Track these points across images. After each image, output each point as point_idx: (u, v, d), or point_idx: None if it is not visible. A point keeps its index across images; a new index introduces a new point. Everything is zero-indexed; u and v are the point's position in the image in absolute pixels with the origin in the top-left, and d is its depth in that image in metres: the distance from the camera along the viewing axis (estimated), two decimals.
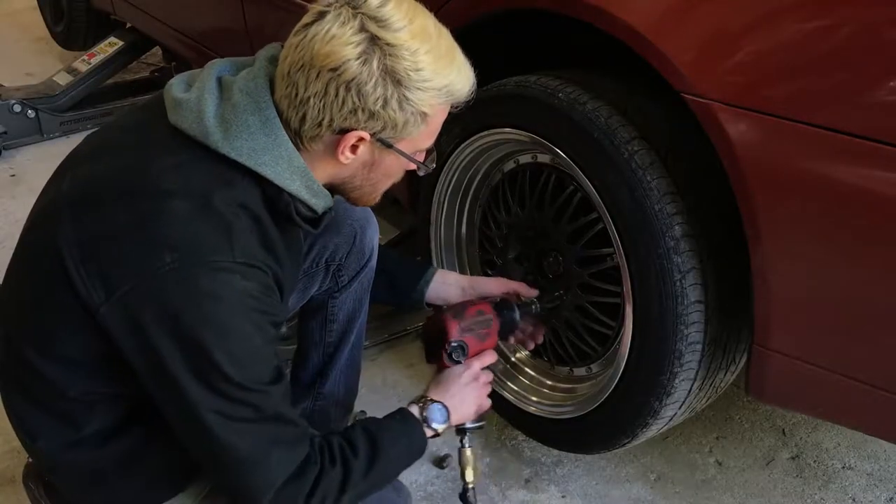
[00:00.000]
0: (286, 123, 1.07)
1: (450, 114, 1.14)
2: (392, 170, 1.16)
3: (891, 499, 1.64)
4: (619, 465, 1.71)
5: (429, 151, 1.18)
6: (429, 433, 1.27)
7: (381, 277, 1.54)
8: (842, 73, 1.06)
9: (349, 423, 1.61)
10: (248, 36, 2.28)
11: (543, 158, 1.53)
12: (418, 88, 1.05)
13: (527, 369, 1.70)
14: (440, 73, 1.06)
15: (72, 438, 1.14)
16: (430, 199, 1.71)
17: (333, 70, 1.02)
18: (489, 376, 1.39)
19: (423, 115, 1.07)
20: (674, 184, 1.28)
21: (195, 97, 1.07)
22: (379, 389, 1.91)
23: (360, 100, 1.03)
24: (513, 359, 1.72)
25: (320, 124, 1.06)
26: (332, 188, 1.17)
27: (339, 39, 1.01)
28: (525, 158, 1.57)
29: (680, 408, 1.39)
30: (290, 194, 1.09)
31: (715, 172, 1.19)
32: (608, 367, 1.50)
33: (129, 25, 3.43)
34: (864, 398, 1.16)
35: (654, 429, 1.42)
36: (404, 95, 1.04)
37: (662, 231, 1.26)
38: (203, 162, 1.05)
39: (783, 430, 1.81)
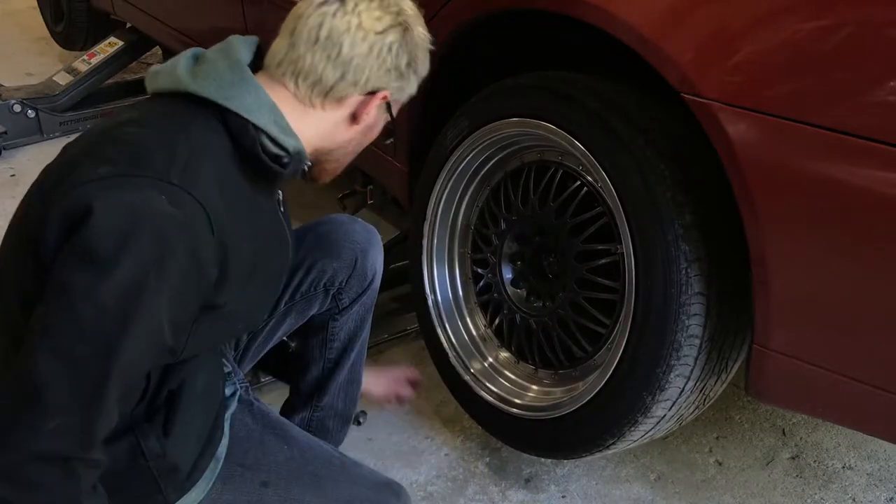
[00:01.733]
0: (308, 84, 1.12)
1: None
2: (374, 131, 1.22)
3: (891, 499, 1.64)
4: (619, 465, 1.71)
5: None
6: None
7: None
8: (842, 73, 1.06)
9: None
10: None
11: (550, 156, 1.53)
12: (425, 52, 1.19)
13: (506, 371, 1.69)
14: (426, 37, 1.19)
15: None
16: (429, 195, 1.70)
17: (379, 33, 1.12)
18: None
19: (420, 77, 1.20)
20: (683, 175, 1.29)
21: (170, 63, 1.11)
22: None
23: (397, 59, 1.14)
24: (491, 360, 1.72)
25: (356, 83, 1.12)
26: (312, 158, 1.19)
27: (379, 11, 1.13)
28: (531, 157, 1.57)
29: (670, 409, 1.38)
30: (256, 127, 1.08)
31: (717, 171, 1.19)
32: (598, 364, 1.50)
33: (129, 25, 3.43)
34: (864, 398, 1.16)
35: (641, 430, 1.41)
36: (417, 58, 1.17)
37: (672, 218, 1.27)
38: (170, 102, 1.08)
39: (783, 430, 1.81)
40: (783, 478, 1.69)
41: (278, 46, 1.14)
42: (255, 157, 1.09)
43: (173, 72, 1.09)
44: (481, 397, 1.66)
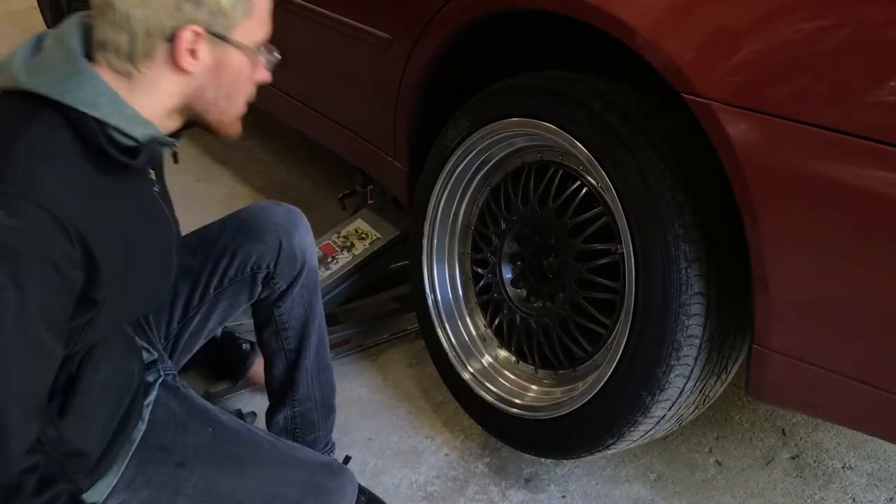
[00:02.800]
0: (114, 56, 1.05)
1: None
2: (240, 72, 1.13)
3: (891, 499, 1.64)
4: (619, 465, 1.71)
5: (267, 48, 1.16)
6: None
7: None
8: (842, 73, 1.06)
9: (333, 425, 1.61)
10: None
11: (550, 156, 1.52)
12: None
13: (506, 372, 1.69)
14: None
15: None
16: (429, 195, 1.70)
17: None
18: None
19: None
20: (683, 175, 1.29)
21: (10, 55, 1.07)
22: (379, 389, 1.91)
23: None
24: (491, 360, 1.72)
25: (150, 34, 1.04)
26: (191, 115, 1.14)
27: None
28: (531, 157, 1.57)
29: (670, 409, 1.38)
30: (97, 120, 1.03)
31: (717, 171, 1.19)
32: (598, 364, 1.50)
33: None
34: (863, 398, 1.16)
35: (641, 430, 1.41)
36: None
37: (672, 218, 1.27)
38: (6, 102, 1.03)
39: (783, 430, 1.81)
40: (783, 478, 1.69)
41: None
42: (103, 152, 1.05)
43: (9, 67, 1.04)
44: (481, 397, 1.66)
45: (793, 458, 1.74)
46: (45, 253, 0.97)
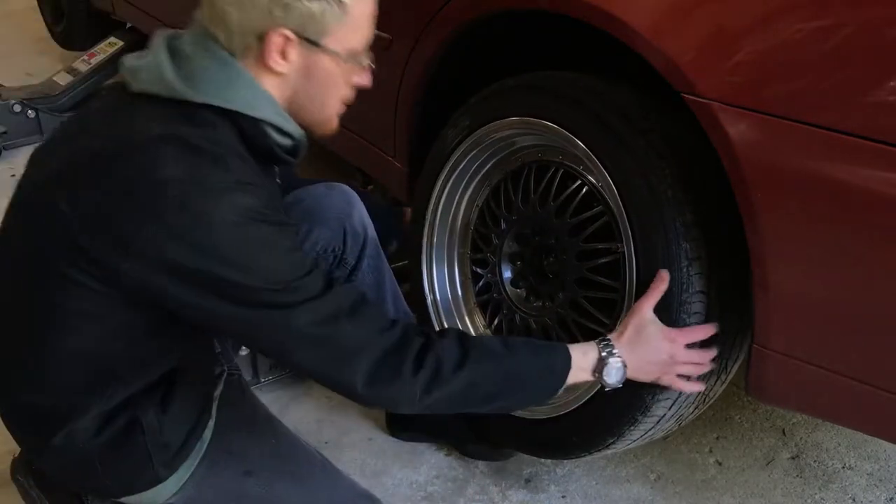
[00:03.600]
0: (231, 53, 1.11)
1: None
2: (331, 76, 1.16)
3: (891, 499, 1.64)
4: (619, 465, 1.71)
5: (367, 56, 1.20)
6: (586, 376, 1.26)
7: None
8: (842, 73, 1.06)
9: None
10: None
11: (550, 156, 1.52)
12: None
13: None
14: None
15: (78, 425, 1.16)
16: (429, 195, 1.70)
17: None
18: (688, 364, 1.27)
19: (341, 4, 1.10)
20: (684, 174, 1.29)
21: (150, 59, 1.11)
22: None
23: None
24: None
25: (244, 32, 1.08)
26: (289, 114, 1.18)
27: None
28: (531, 156, 1.57)
29: (670, 408, 1.38)
30: (263, 122, 1.11)
31: (718, 170, 1.19)
32: None
33: (129, 25, 3.43)
34: (863, 398, 1.16)
35: (641, 429, 1.41)
36: None
37: (673, 217, 1.27)
38: (176, 112, 1.08)
39: (783, 430, 1.81)
40: (783, 478, 1.69)
41: None
42: (270, 151, 1.14)
43: (162, 75, 1.09)
44: None
45: (793, 458, 1.74)
46: (275, 218, 1.11)
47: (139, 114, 1.09)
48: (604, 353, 1.25)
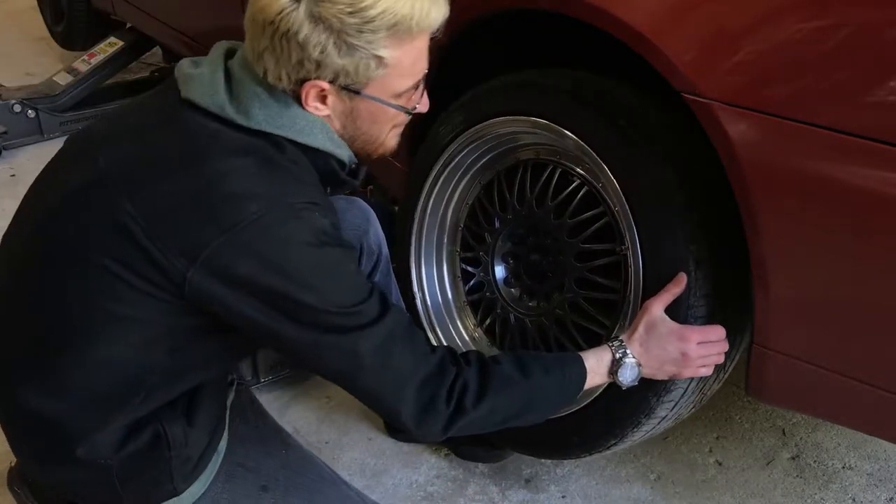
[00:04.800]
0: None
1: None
2: (377, 115, 1.14)
3: (891, 499, 1.64)
4: (619, 465, 1.71)
5: (421, 88, 1.18)
6: (601, 379, 1.27)
7: None
8: (842, 73, 1.06)
9: None
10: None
11: (547, 155, 1.51)
12: (360, 31, 1.03)
13: None
14: (387, 10, 1.03)
15: (100, 437, 1.13)
16: (419, 192, 1.69)
17: (271, 23, 1.03)
18: (704, 358, 1.27)
19: (379, 58, 1.06)
20: (689, 175, 1.29)
21: (207, 72, 1.10)
22: None
23: (301, 50, 1.03)
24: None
25: (280, 77, 1.07)
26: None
27: None
28: (527, 154, 1.56)
29: (672, 409, 1.38)
30: (316, 149, 1.12)
31: (720, 171, 1.19)
32: None
33: (129, 25, 3.43)
34: (864, 398, 1.16)
35: (644, 430, 1.41)
36: (346, 41, 1.03)
37: (681, 219, 1.27)
38: (233, 131, 1.07)
39: (783, 430, 1.81)
40: (783, 478, 1.69)
41: None
42: (333, 174, 1.15)
43: (216, 93, 1.08)
44: None
45: (793, 458, 1.74)
46: (344, 239, 1.13)
47: (203, 123, 1.08)
48: (618, 355, 1.26)
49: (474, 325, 1.71)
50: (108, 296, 1.05)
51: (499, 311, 1.64)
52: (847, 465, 1.72)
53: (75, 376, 1.09)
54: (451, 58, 1.62)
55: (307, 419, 1.81)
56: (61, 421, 1.11)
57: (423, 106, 1.20)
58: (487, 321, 1.67)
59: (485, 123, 1.54)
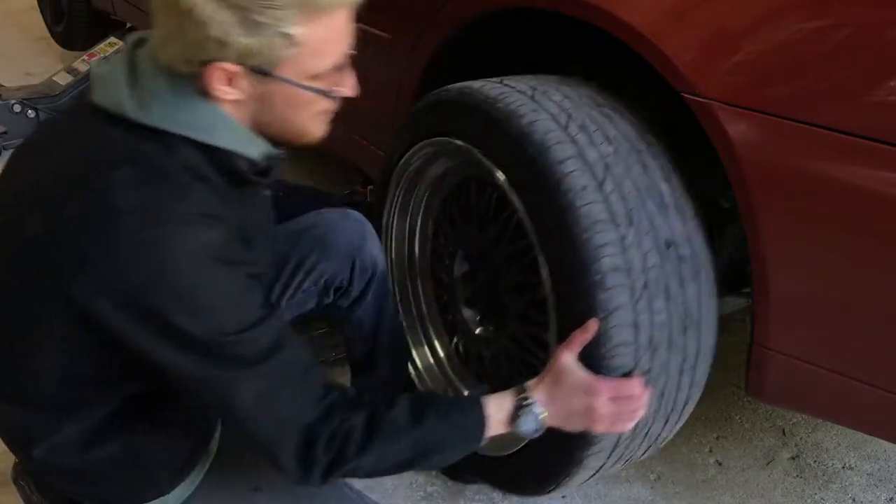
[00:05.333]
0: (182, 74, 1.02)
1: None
2: (293, 100, 1.05)
3: (891, 499, 1.64)
4: None
5: (343, 70, 1.09)
6: (502, 427, 1.17)
7: None
8: (842, 73, 1.06)
9: None
10: None
11: (482, 175, 1.42)
12: (267, 7, 0.96)
13: None
14: None
15: (59, 440, 1.12)
16: (384, 204, 1.65)
17: (173, 4, 0.99)
18: (616, 414, 1.17)
19: (288, 36, 0.98)
20: (607, 210, 1.19)
21: (109, 70, 1.05)
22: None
23: (202, 29, 0.96)
24: (457, 386, 1.64)
25: (184, 61, 1.00)
26: (261, 134, 1.10)
27: None
28: (471, 172, 1.48)
29: (608, 457, 1.30)
30: (219, 148, 1.04)
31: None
32: None
33: (129, 25, 3.43)
34: (864, 398, 1.16)
35: (583, 475, 1.33)
36: (251, 18, 0.96)
37: (589, 263, 1.17)
38: (135, 132, 1.01)
39: (783, 430, 1.81)
40: (783, 478, 1.69)
41: None
42: (235, 171, 1.07)
43: (116, 91, 1.02)
44: None
45: (793, 458, 1.74)
46: (236, 257, 1.04)
47: (99, 131, 1.03)
48: (521, 404, 1.17)
49: (446, 348, 1.66)
50: (42, 306, 1.04)
51: (460, 335, 1.59)
52: (847, 465, 1.72)
53: (30, 381, 1.10)
54: (452, 59, 1.62)
55: None
56: (24, 422, 1.13)
57: (348, 90, 1.11)
58: (454, 343, 1.63)
59: (420, 144, 1.50)
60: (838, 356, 1.17)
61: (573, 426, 1.19)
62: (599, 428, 1.18)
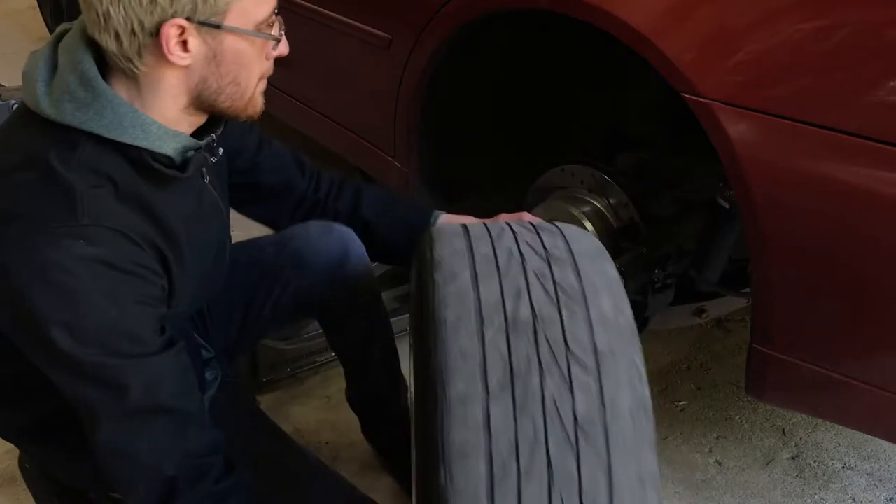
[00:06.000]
0: (114, 59, 1.01)
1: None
2: (243, 55, 1.05)
3: (891, 499, 1.64)
4: None
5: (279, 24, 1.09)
6: None
7: (366, 236, 1.44)
8: (842, 73, 1.06)
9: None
10: None
11: None
12: None
13: None
14: None
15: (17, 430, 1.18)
16: None
17: None
18: None
19: None
20: None
21: (32, 67, 1.06)
22: None
23: None
24: None
25: (134, 32, 0.98)
26: (204, 107, 1.08)
27: None
28: None
29: None
30: (132, 146, 1.02)
31: None
32: None
33: None
34: (863, 398, 1.16)
35: None
36: None
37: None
38: (43, 131, 1.01)
39: (783, 430, 1.81)
40: (783, 478, 1.69)
41: None
42: (151, 168, 1.04)
43: (34, 88, 1.03)
44: None
45: (793, 458, 1.74)
46: (128, 267, 1.00)
47: (20, 130, 1.04)
48: None
49: None
50: None
51: None
52: (847, 465, 1.72)
53: None
54: (452, 59, 1.62)
55: (307, 419, 1.81)
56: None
57: (283, 47, 1.10)
58: None
59: None
60: (838, 356, 1.17)
61: None
62: None
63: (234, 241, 1.38)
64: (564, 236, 1.01)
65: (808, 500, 1.64)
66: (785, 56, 1.10)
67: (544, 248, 0.98)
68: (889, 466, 1.71)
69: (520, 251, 0.97)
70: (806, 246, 1.14)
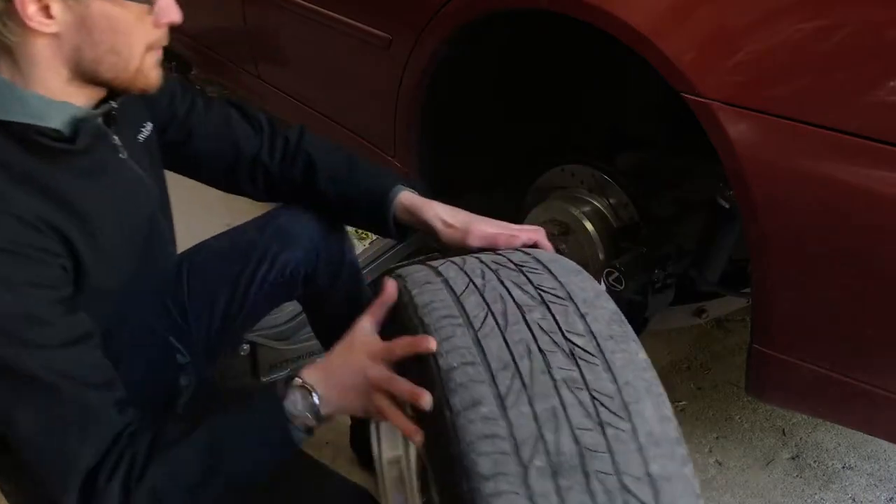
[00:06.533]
0: None
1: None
2: (117, 21, 0.97)
3: (891, 499, 1.64)
4: None
5: None
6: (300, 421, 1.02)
7: (322, 204, 1.40)
8: (842, 73, 1.06)
9: None
10: (248, 36, 2.29)
11: None
12: None
13: None
14: None
15: None
16: None
17: None
18: (388, 381, 0.97)
19: None
20: None
21: None
22: None
23: None
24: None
25: None
26: (89, 79, 1.01)
27: None
28: None
29: None
30: (13, 123, 0.97)
31: None
32: None
33: None
34: (863, 398, 1.16)
35: None
36: None
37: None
38: None
39: (783, 430, 1.81)
40: (783, 478, 1.69)
41: None
42: (37, 143, 0.98)
43: None
44: None
45: (793, 458, 1.74)
46: (22, 251, 0.94)
47: None
48: (290, 383, 1.01)
49: None
50: None
51: None
52: (847, 465, 1.72)
53: None
54: (452, 59, 1.62)
55: None
56: None
57: (171, 13, 1.03)
58: None
59: None
60: (838, 356, 1.17)
61: (351, 403, 1.01)
62: (377, 405, 0.98)
63: (227, 227, 1.38)
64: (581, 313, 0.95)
65: (808, 500, 1.64)
66: (785, 56, 1.10)
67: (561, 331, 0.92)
68: (889, 466, 1.71)
69: (539, 349, 0.90)
70: (806, 246, 1.14)
